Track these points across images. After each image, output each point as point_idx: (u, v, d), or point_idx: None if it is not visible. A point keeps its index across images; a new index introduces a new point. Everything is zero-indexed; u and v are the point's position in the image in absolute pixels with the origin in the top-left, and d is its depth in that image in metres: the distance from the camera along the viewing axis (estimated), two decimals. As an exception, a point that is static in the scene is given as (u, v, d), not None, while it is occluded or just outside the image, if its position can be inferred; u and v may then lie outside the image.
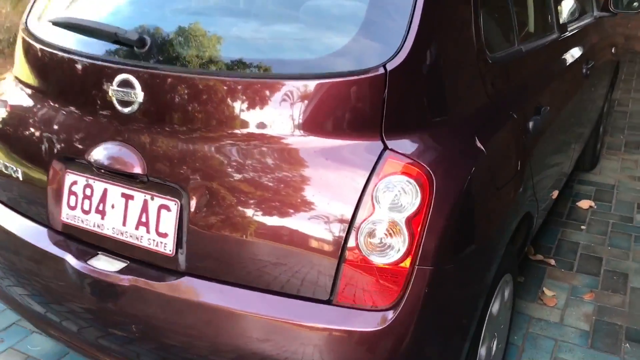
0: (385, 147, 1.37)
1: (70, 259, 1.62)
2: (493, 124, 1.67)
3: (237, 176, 1.42)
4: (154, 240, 1.53)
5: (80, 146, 1.63)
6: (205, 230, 1.45)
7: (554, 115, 2.13)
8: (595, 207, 3.42)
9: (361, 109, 1.38)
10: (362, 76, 1.37)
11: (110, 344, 1.62)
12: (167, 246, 1.51)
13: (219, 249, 1.44)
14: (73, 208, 1.65)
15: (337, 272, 1.36)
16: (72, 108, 1.67)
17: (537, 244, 3.01)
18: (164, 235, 1.51)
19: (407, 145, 1.39)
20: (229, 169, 1.43)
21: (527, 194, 1.85)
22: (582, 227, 3.20)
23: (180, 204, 1.48)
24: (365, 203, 1.33)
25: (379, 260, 1.34)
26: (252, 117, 1.42)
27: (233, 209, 1.41)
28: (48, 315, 1.74)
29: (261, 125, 1.42)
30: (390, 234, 1.33)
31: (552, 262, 2.85)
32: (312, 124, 1.39)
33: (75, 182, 1.65)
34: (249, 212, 1.40)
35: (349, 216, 1.34)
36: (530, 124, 1.86)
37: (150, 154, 1.52)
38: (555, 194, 2.53)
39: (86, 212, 1.63)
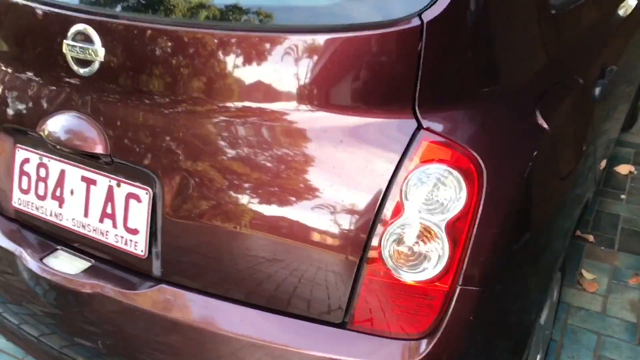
0: (420, 126, 1.03)
1: (23, 255, 1.31)
2: (557, 94, 1.31)
3: (227, 161, 1.08)
4: (122, 237, 1.21)
5: (30, 116, 1.30)
6: (185, 228, 1.13)
7: (617, 75, 1.77)
8: (636, 172, 3.07)
9: (388, 73, 1.03)
10: (390, 29, 1.02)
11: (72, 358, 1.33)
12: (138, 245, 1.19)
13: (202, 252, 1.13)
14: (26, 192, 1.33)
15: (354, 289, 1.04)
16: (21, 67, 1.33)
17: (573, 216, 2.69)
18: (134, 232, 1.19)
19: (448, 124, 1.04)
20: (216, 152, 1.09)
21: (590, 178, 1.52)
22: (622, 196, 2.87)
23: (153, 194, 1.16)
24: (392, 200, 1.00)
25: (409, 276, 1.02)
26: (247, 85, 1.08)
27: (221, 203, 1.09)
28: (2, 315, 1.45)
29: (258, 95, 1.07)
30: (425, 242, 1.01)
31: (591, 238, 2.53)
32: (323, 94, 1.05)
33: (27, 160, 1.33)
34: (242, 207, 1.08)
35: (370, 217, 1.01)
36: (597, 90, 1.51)
37: (114, 128, 1.18)
38: (604, 163, 2.19)
39: (41, 198, 1.31)
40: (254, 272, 1.09)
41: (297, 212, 1.04)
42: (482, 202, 1.00)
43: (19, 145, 1.33)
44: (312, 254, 1.04)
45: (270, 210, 1.06)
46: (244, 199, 1.07)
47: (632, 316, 2.10)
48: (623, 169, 3.08)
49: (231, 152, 1.08)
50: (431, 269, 1.00)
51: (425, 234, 1.00)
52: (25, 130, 1.31)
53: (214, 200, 1.09)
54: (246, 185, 1.07)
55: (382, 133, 1.03)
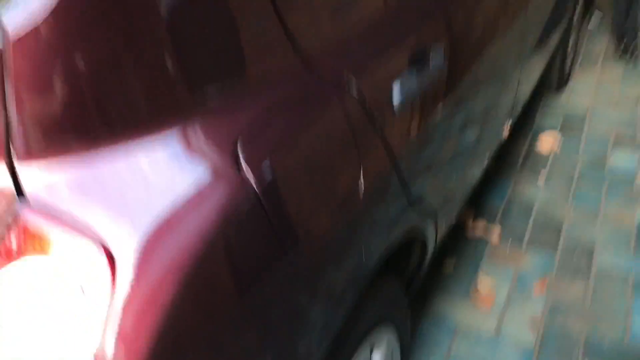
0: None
1: None
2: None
3: None
4: None
5: None
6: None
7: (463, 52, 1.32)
8: (559, 149, 2.65)
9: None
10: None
11: None
12: None
13: None
14: None
15: None
16: None
17: (479, 202, 2.30)
18: None
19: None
20: None
21: (400, 210, 1.09)
22: (539, 182, 2.47)
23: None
24: None
25: None
26: None
27: None
28: None
29: None
30: None
31: (497, 232, 2.14)
32: None
33: None
34: None
35: None
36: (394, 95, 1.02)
37: None
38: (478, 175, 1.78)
39: None
40: None
41: None
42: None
43: None
44: None
45: None
46: None
47: (530, 339, 1.72)
48: (545, 143, 2.68)
49: None
50: None
51: None
52: None
53: None
54: None
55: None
